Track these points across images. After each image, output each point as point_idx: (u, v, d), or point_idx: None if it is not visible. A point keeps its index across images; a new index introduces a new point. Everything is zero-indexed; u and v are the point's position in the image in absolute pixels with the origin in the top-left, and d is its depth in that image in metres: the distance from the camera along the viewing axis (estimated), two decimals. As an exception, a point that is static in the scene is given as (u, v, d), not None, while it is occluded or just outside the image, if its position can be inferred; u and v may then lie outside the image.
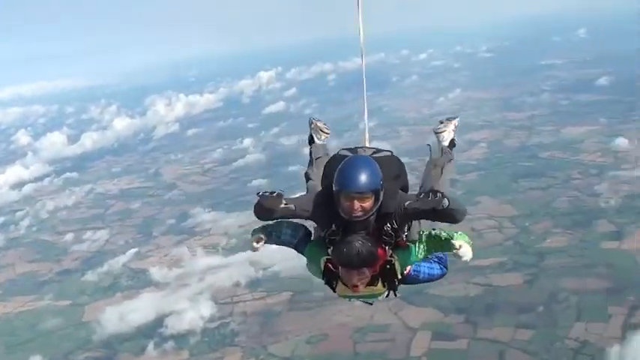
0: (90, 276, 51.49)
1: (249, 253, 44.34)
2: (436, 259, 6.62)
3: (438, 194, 5.36)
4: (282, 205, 5.71)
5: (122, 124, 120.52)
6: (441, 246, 6.07)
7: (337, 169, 5.61)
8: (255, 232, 6.19)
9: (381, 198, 5.63)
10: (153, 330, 41.10)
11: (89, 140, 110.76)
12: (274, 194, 5.57)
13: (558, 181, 54.16)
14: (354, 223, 5.63)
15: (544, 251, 41.62)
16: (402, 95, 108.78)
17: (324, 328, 38.57)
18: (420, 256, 6.14)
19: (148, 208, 67.35)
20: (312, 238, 6.25)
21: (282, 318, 40.67)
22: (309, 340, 37.77)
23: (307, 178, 7.05)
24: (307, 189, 6.80)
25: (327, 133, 7.71)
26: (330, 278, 5.95)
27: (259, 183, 69.08)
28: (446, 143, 7.31)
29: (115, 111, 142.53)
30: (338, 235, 5.73)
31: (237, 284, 45.37)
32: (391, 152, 6.33)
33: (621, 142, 61.37)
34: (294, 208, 5.82)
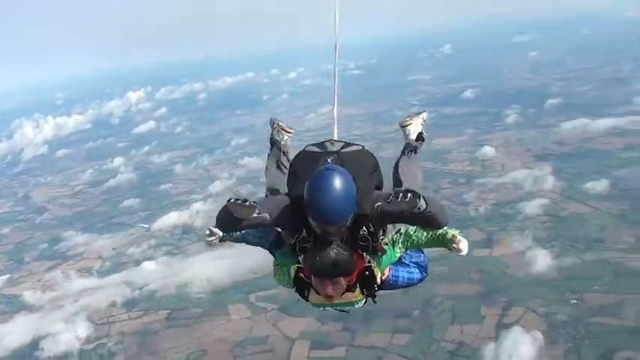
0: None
1: (123, 274, 44.54)
2: (415, 264, 6.29)
3: (409, 195, 4.97)
4: (255, 215, 5.15)
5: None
6: (436, 242, 5.89)
7: (308, 190, 5.09)
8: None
9: (350, 218, 5.17)
10: (29, 353, 40.20)
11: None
12: (247, 203, 5.07)
13: (429, 190, 55.71)
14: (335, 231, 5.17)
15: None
16: (272, 113, 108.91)
17: (202, 344, 38.66)
18: (397, 256, 5.95)
19: (19, 233, 65.28)
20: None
21: (159, 336, 40.43)
22: (188, 356, 37.76)
23: (271, 178, 6.71)
24: (268, 189, 6.48)
25: (290, 133, 7.28)
26: (302, 287, 5.60)
27: (131, 203, 68.70)
28: (413, 137, 7.18)
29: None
30: (309, 242, 5.25)
31: (113, 304, 44.86)
32: (362, 146, 5.95)
33: (487, 150, 64.23)
34: (267, 217, 5.28)
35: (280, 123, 7.32)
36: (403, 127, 7.30)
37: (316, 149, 5.89)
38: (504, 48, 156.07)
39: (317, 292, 5.42)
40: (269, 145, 7.23)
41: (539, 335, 33.20)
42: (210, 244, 5.90)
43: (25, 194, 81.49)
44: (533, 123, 72.84)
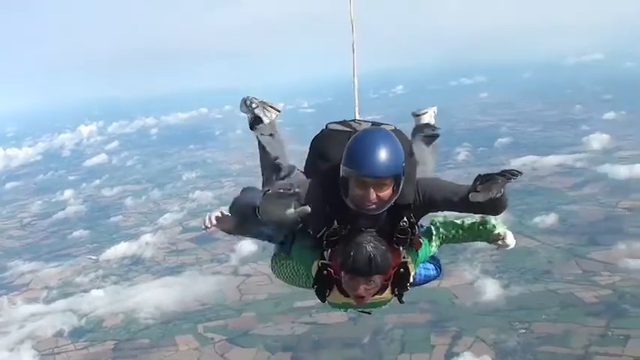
0: None
1: (70, 300, 43.88)
2: (430, 260, 5.61)
3: (497, 178, 4.40)
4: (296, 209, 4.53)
5: None
6: (478, 235, 5.44)
7: (347, 147, 4.55)
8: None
9: (401, 185, 4.60)
10: (-30, 384, 39.49)
11: None
12: (291, 191, 4.41)
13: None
14: (361, 217, 4.67)
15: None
16: (225, 148, 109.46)
17: (149, 376, 37.99)
18: (432, 251, 5.47)
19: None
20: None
21: (106, 368, 39.73)
22: (135, 388, 37.06)
23: (266, 165, 5.93)
24: (265, 180, 5.75)
25: (278, 110, 6.41)
26: (324, 286, 4.97)
27: (80, 234, 68.00)
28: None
29: None
30: (341, 234, 4.73)
31: (59, 333, 44.15)
32: (394, 127, 5.21)
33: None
34: (307, 209, 4.57)
35: (263, 100, 6.39)
36: (417, 115, 6.82)
37: (343, 128, 5.23)
38: (453, 90, 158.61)
39: (342, 293, 4.91)
40: (251, 130, 6.34)
41: (490, 355, 33.78)
42: (204, 227, 5.18)
43: (-28, 226, 79.60)
44: (483, 161, 73.81)
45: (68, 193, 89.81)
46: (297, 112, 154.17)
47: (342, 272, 4.63)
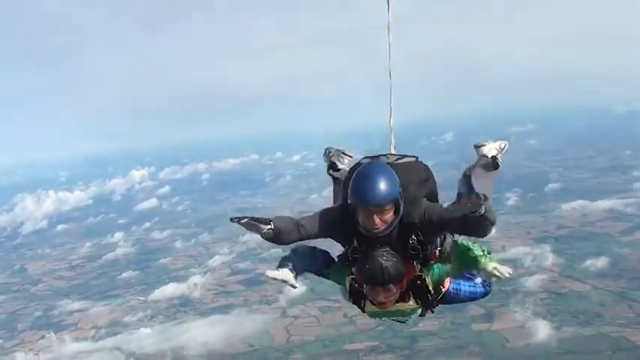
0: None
1: (118, 338, 44.06)
2: (480, 278, 5.96)
3: (480, 195, 4.96)
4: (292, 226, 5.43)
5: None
6: (469, 263, 5.75)
7: (351, 181, 5.33)
8: (283, 266, 5.85)
9: (402, 207, 5.29)
10: None
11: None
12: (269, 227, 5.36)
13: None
14: (376, 237, 5.29)
15: (416, 335, 42.44)
16: (275, 194, 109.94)
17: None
18: (448, 271, 5.81)
19: (13, 304, 64.62)
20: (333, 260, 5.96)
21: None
22: None
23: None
24: None
25: (350, 156, 6.97)
26: (358, 297, 5.65)
27: (129, 275, 68.45)
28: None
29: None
30: (360, 251, 5.39)
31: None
32: (416, 157, 6.02)
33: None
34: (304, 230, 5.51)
35: (338, 148, 7.09)
36: (477, 147, 6.42)
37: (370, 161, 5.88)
38: (503, 137, 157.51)
39: (372, 302, 5.52)
40: (330, 178, 6.99)
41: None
42: (294, 287, 5.91)
43: (22, 267, 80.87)
44: (532, 207, 73.01)
45: (118, 235, 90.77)
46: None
47: (363, 283, 5.37)
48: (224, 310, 53.24)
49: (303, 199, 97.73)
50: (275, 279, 5.76)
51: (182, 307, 55.84)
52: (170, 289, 59.79)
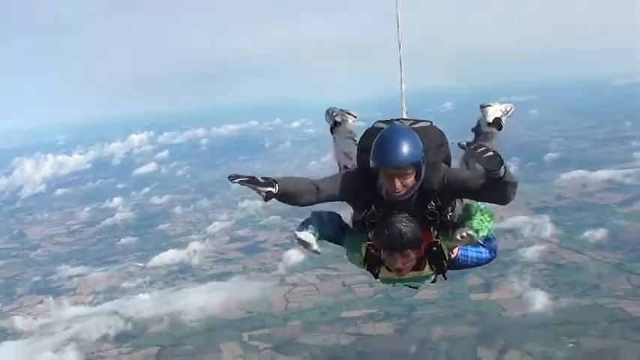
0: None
1: (116, 303, 44.16)
2: (485, 242, 6.05)
3: (491, 153, 4.80)
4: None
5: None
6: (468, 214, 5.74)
7: (373, 143, 5.22)
8: (306, 229, 5.74)
9: (423, 172, 5.24)
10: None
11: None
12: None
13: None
14: (394, 202, 5.24)
15: (414, 303, 42.56)
16: (274, 160, 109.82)
17: (194, 383, 37.94)
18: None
19: (11, 269, 64.76)
20: (347, 226, 5.93)
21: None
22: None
23: (342, 164, 6.51)
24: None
25: (354, 116, 7.13)
26: (373, 263, 5.63)
27: (128, 241, 68.56)
28: (489, 119, 6.93)
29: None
30: (378, 216, 5.33)
31: (104, 337, 44.35)
32: (430, 122, 5.93)
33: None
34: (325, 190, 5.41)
35: (342, 108, 7.19)
36: (482, 107, 7.08)
37: (384, 125, 5.79)
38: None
39: (387, 268, 5.50)
40: (331, 136, 7.08)
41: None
42: (316, 252, 5.77)
43: (20, 231, 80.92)
44: (532, 176, 72.87)
45: (117, 200, 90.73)
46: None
47: (382, 249, 5.32)
48: (223, 277, 53.47)
49: (303, 166, 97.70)
50: (304, 241, 5.67)
51: (181, 274, 55.94)
52: (169, 256, 59.95)
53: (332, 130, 7.08)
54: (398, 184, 5.10)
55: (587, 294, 41.95)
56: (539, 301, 40.97)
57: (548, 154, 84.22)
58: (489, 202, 5.51)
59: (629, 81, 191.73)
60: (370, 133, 5.74)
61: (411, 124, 5.80)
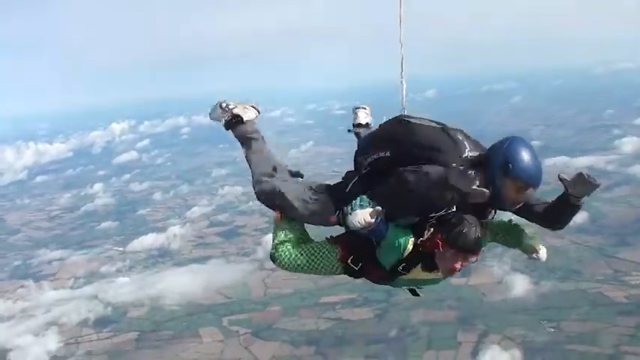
0: None
1: (96, 286, 44.12)
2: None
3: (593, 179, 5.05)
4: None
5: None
6: (517, 237, 5.69)
7: (513, 152, 4.95)
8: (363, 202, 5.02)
9: None
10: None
11: None
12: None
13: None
14: (470, 205, 4.97)
15: (393, 288, 42.41)
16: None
17: (172, 367, 38.08)
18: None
19: (-9, 253, 64.19)
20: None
21: (128, 358, 39.93)
22: (156, 380, 36.99)
23: (253, 159, 6.14)
24: (267, 175, 5.88)
25: (258, 111, 6.38)
26: (412, 261, 5.11)
27: (108, 226, 68.42)
28: (362, 121, 7.22)
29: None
30: (455, 216, 4.95)
31: (84, 322, 44.36)
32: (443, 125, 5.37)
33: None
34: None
35: (240, 102, 6.40)
36: (357, 109, 7.39)
37: (429, 124, 5.30)
38: (484, 94, 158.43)
39: (426, 268, 5.16)
40: (229, 130, 6.38)
41: (517, 353, 33.56)
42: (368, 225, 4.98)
43: (0, 217, 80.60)
44: (512, 163, 73.32)
45: (97, 187, 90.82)
46: (328, 113, 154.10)
47: (448, 247, 4.92)
48: (202, 261, 53.41)
49: (283, 155, 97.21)
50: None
51: (160, 258, 55.94)
52: (149, 240, 59.99)
53: (229, 125, 6.36)
54: (523, 196, 5.04)
55: (568, 278, 42.24)
56: (520, 285, 41.22)
57: (531, 141, 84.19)
58: (539, 224, 5.54)
59: (610, 69, 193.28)
60: (423, 129, 5.23)
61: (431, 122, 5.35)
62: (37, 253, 61.13)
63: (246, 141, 6.22)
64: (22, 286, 52.45)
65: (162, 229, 63.12)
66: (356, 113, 7.34)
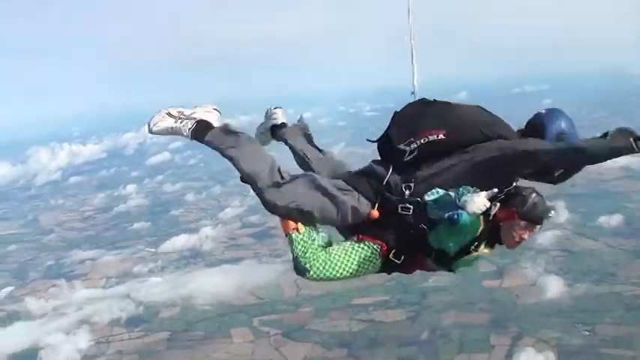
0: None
1: (128, 285, 44.32)
2: None
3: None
4: None
5: (1, 172, 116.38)
6: None
7: (558, 114, 5.34)
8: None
9: None
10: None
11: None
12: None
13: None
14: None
15: (426, 290, 42.31)
16: (286, 149, 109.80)
17: (203, 368, 37.89)
18: None
19: (24, 253, 64.77)
20: None
21: (159, 358, 40.07)
22: (188, 380, 36.85)
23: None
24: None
25: (219, 112, 5.34)
26: (481, 239, 4.96)
27: (141, 226, 68.64)
28: (278, 122, 6.16)
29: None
30: (526, 189, 4.94)
31: (116, 321, 44.58)
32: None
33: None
34: None
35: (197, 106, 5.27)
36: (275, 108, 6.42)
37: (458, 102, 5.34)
38: (517, 96, 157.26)
39: (487, 245, 5.03)
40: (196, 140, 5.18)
41: (552, 356, 33.08)
42: None
43: (34, 217, 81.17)
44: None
45: (130, 188, 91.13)
46: (358, 115, 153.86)
47: (520, 219, 4.85)
48: (234, 262, 53.36)
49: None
50: None
51: (192, 259, 56.04)
52: (181, 241, 60.08)
53: (197, 133, 5.12)
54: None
55: (603, 281, 41.71)
56: (554, 288, 40.76)
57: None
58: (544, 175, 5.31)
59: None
60: (467, 109, 5.25)
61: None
62: (69, 253, 61.53)
63: (231, 145, 5.19)
64: (54, 285, 52.72)
65: (195, 230, 63.07)
66: (275, 113, 6.26)
